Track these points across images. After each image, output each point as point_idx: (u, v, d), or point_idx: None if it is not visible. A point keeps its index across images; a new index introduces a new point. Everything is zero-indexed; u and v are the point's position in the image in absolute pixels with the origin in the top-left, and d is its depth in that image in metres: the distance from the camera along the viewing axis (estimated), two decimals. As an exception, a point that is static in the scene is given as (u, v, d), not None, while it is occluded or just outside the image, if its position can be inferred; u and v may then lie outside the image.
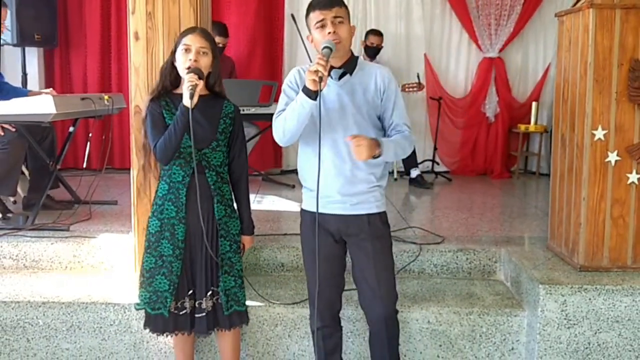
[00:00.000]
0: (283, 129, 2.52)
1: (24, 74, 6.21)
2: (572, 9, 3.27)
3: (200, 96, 2.60)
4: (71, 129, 4.49)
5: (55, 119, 3.82)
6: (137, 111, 3.15)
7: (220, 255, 2.73)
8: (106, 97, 4.36)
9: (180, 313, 2.73)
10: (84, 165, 5.00)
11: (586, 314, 2.99)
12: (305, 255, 2.76)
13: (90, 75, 6.69)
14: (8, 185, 4.10)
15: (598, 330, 3.00)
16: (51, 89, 4.52)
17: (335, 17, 2.48)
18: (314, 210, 2.53)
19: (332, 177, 2.54)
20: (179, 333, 2.77)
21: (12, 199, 4.51)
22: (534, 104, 6.68)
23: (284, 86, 2.64)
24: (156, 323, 2.75)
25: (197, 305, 2.73)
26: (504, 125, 6.90)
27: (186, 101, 2.50)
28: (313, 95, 2.35)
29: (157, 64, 3.12)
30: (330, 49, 2.40)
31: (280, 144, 2.63)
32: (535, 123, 6.65)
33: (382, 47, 6.31)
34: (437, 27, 6.93)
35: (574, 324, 2.99)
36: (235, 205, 2.83)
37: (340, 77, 2.57)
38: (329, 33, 2.46)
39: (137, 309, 2.84)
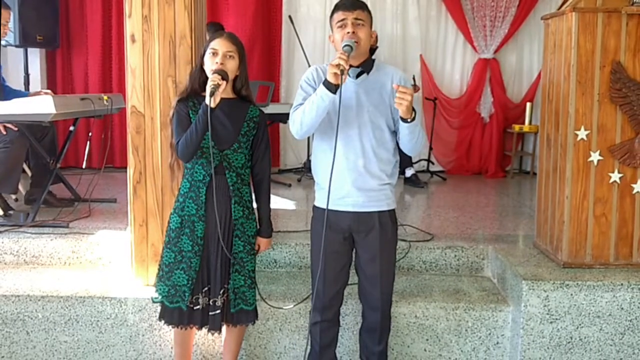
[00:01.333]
0: (301, 121, 2.61)
1: (26, 75, 6.32)
2: (556, 12, 3.35)
3: (227, 99, 2.70)
4: (71, 128, 4.58)
5: (55, 119, 3.91)
6: (134, 111, 3.24)
7: (232, 254, 2.79)
8: (105, 97, 4.45)
9: (195, 308, 2.79)
10: (84, 164, 5.09)
11: (568, 309, 3.06)
12: (313, 251, 2.85)
13: (91, 75, 6.80)
14: (10, 183, 4.19)
15: (580, 325, 3.08)
16: (49, 90, 4.62)
17: (356, 18, 2.60)
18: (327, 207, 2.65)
19: (345, 173, 2.64)
20: (193, 327, 2.84)
21: (13, 196, 4.61)
22: (528, 104, 6.78)
23: (302, 82, 2.74)
24: (172, 316, 2.81)
25: (211, 303, 2.79)
26: (498, 126, 7.00)
27: (207, 99, 2.57)
28: (333, 88, 2.46)
29: (153, 65, 3.22)
30: (351, 47, 2.51)
31: (297, 137, 2.72)
32: (530, 123, 6.74)
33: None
34: (432, 28, 7.04)
35: (556, 319, 3.07)
36: (254, 206, 2.89)
37: (357, 76, 2.68)
38: (348, 33, 2.58)
39: (154, 302, 2.89)
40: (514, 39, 6.96)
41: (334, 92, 2.47)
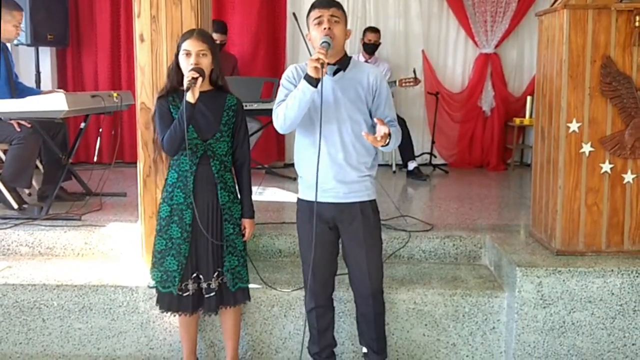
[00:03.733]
0: (284, 116, 2.75)
1: (38, 73, 6.46)
2: (549, 9, 3.47)
3: (205, 91, 2.86)
4: (82, 124, 4.72)
5: (67, 116, 4.06)
6: (143, 107, 3.38)
7: (224, 237, 2.95)
8: (115, 94, 4.59)
9: (184, 295, 2.95)
10: (95, 159, 5.24)
11: (561, 295, 3.18)
12: (301, 241, 3.00)
13: (100, 73, 6.93)
14: (24, 178, 4.34)
15: (572, 309, 3.19)
16: (61, 90, 4.76)
17: (332, 15, 2.73)
18: (310, 199, 2.80)
19: (327, 166, 2.76)
20: (182, 314, 3.01)
21: (27, 191, 4.76)
22: (528, 98, 6.86)
23: (283, 81, 2.88)
24: (164, 301, 2.99)
25: (205, 286, 2.95)
26: (499, 119, 7.10)
27: (189, 97, 2.73)
28: (314, 82, 2.59)
29: (161, 63, 3.35)
30: (329, 44, 2.65)
31: (280, 131, 2.87)
32: (530, 117, 6.81)
33: (379, 43, 6.52)
34: (434, 24, 7.13)
35: (549, 304, 3.19)
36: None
37: (334, 74, 2.80)
38: (325, 29, 2.70)
39: (149, 287, 3.05)
40: (515, 34, 7.05)
41: (315, 86, 2.60)
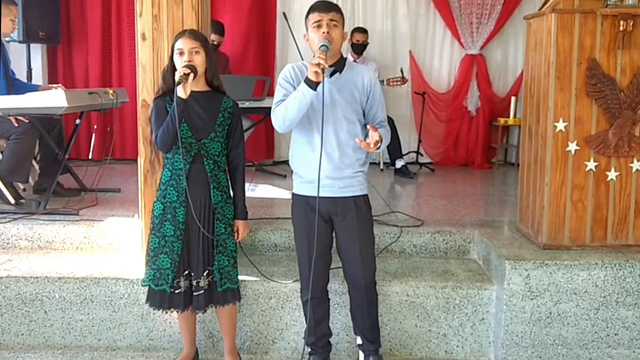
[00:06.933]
0: (284, 116, 2.84)
1: (29, 69, 6.50)
2: (537, 12, 3.60)
3: (201, 92, 2.94)
4: (77, 121, 4.77)
5: (66, 112, 4.13)
6: (144, 105, 3.44)
7: (215, 236, 3.01)
8: (111, 91, 4.66)
9: (176, 292, 3.00)
10: (90, 156, 5.29)
11: (547, 287, 3.31)
12: (296, 235, 3.10)
13: (91, 70, 6.97)
14: (21, 173, 4.39)
15: (558, 301, 3.32)
16: (60, 84, 4.81)
17: (331, 20, 2.83)
18: (305, 194, 2.93)
19: (323, 164, 2.85)
20: (174, 310, 3.06)
21: (21, 186, 4.80)
22: (513, 98, 7.03)
23: (280, 80, 2.96)
24: (155, 298, 3.03)
25: (195, 284, 3.01)
26: (484, 119, 7.25)
27: (180, 92, 2.78)
28: (314, 85, 2.69)
29: (162, 62, 3.41)
30: (327, 47, 2.74)
31: (279, 131, 2.96)
32: (514, 117, 6.98)
33: (367, 43, 6.64)
34: (421, 25, 7.26)
35: (537, 296, 3.32)
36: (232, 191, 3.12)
37: (331, 75, 2.90)
38: (323, 33, 2.80)
39: (142, 285, 3.10)
40: (500, 36, 7.20)
41: (315, 89, 2.69)
